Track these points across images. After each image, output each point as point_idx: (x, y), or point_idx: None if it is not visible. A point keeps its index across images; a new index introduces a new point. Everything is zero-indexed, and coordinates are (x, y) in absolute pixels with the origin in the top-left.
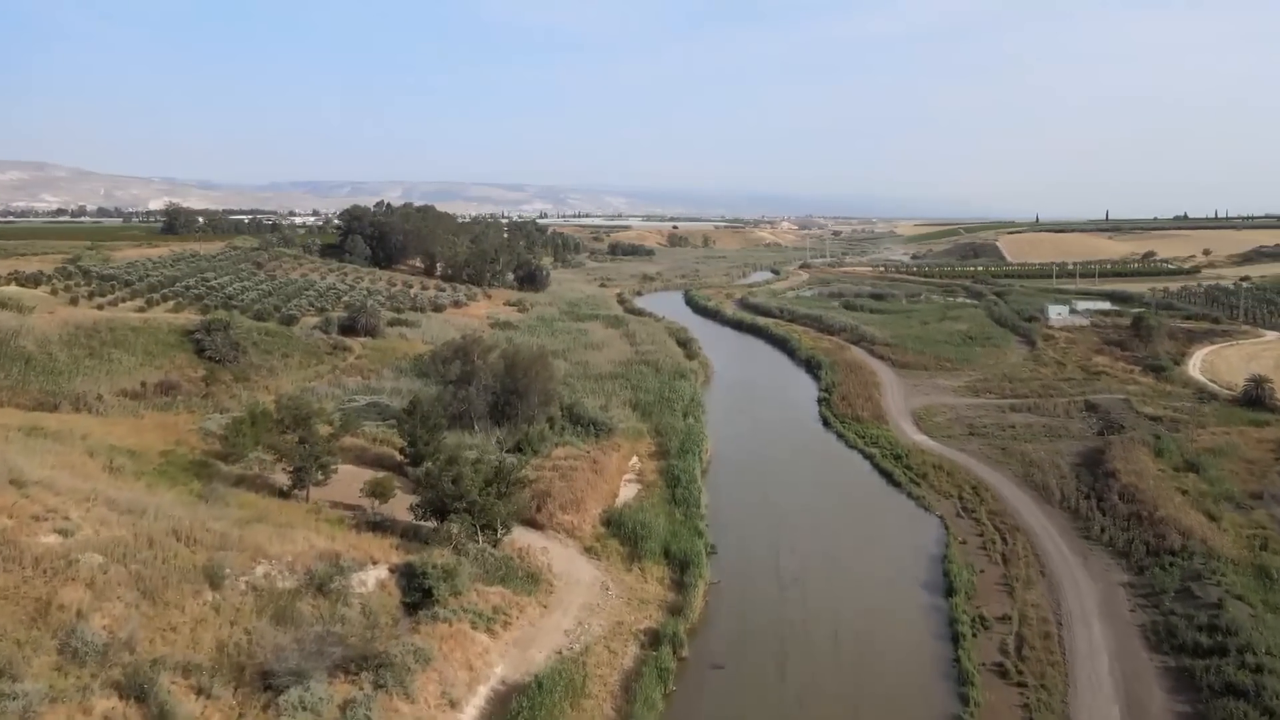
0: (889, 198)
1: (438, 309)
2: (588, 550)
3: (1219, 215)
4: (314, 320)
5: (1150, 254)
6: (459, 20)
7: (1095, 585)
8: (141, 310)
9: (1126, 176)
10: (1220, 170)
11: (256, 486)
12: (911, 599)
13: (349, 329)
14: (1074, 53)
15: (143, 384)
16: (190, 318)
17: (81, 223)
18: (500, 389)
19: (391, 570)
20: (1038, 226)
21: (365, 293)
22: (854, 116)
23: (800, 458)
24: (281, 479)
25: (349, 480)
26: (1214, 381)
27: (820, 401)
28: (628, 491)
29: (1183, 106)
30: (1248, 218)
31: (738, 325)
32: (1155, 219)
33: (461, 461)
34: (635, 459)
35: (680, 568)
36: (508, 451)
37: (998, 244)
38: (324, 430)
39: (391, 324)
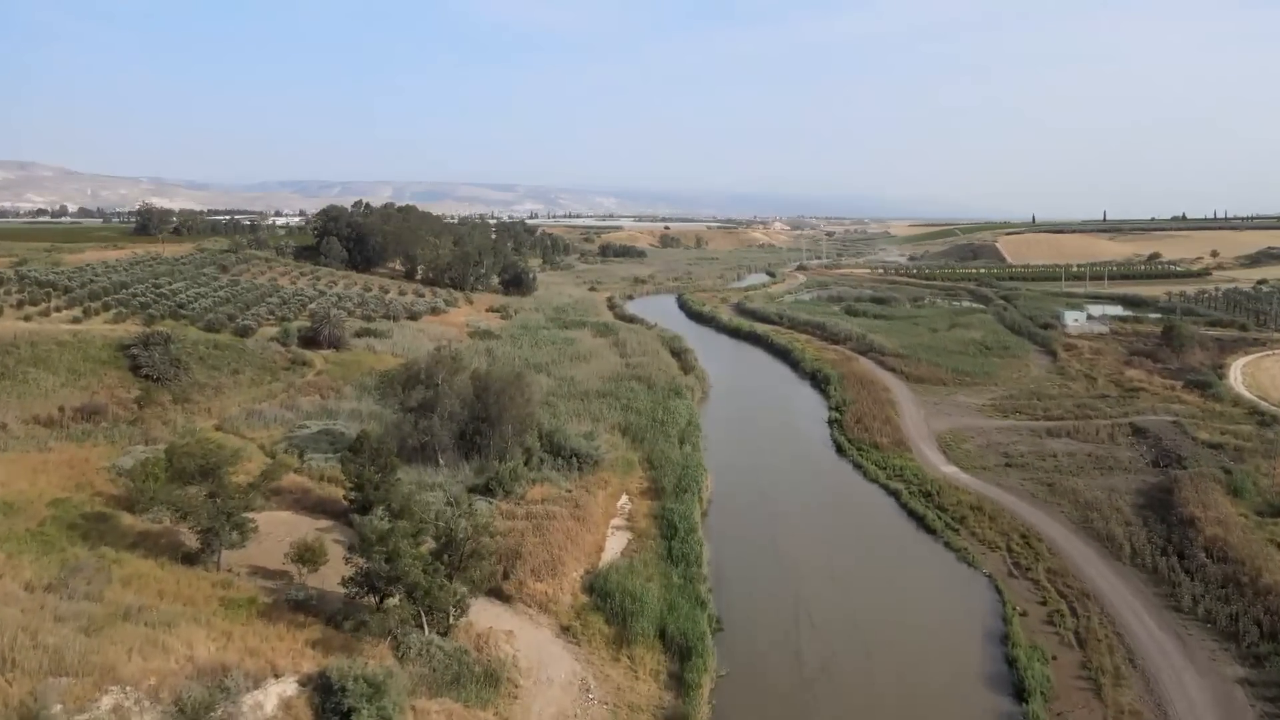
0: (878, 198)
1: (413, 317)
2: (565, 630)
3: (1218, 216)
4: (273, 331)
5: (1155, 255)
6: (450, 21)
7: (1204, 681)
8: (76, 321)
9: (1120, 177)
10: (1212, 171)
11: (160, 549)
12: (973, 701)
13: (311, 340)
14: (1067, 54)
15: (60, 409)
16: (131, 329)
17: (60, 223)
18: (469, 417)
19: (303, 683)
20: (1035, 227)
21: (336, 299)
22: (841, 117)
23: (814, 495)
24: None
25: (283, 532)
26: (1264, 399)
27: (831, 423)
28: (616, 543)
29: (1174, 108)
30: (1248, 218)
31: (735, 332)
32: (1153, 219)
33: (399, 532)
34: (625, 498)
35: (680, 655)
36: (476, 491)
37: (997, 245)
38: (245, 475)
39: (359, 334)
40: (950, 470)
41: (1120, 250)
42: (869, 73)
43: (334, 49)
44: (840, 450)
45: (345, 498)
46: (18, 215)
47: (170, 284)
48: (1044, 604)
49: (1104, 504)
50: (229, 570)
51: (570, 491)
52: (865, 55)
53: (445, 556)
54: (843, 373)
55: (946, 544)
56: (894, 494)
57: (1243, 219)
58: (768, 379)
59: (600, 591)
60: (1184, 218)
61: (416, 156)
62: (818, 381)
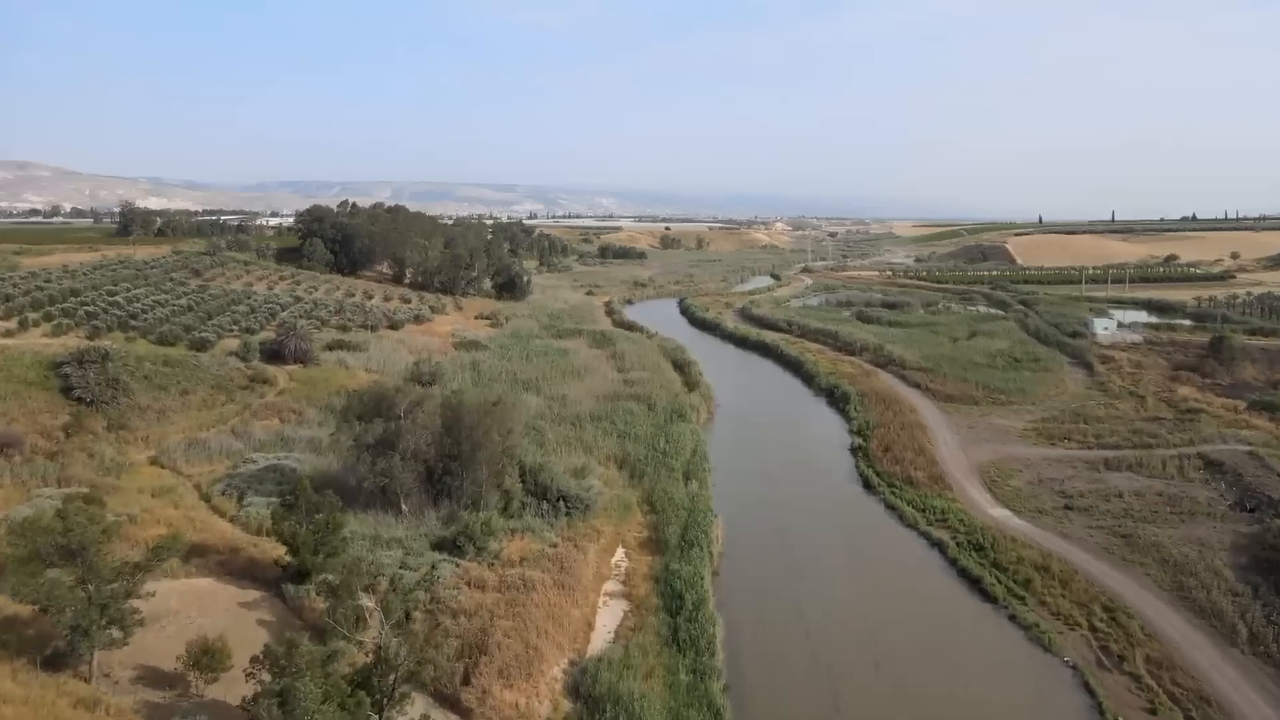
0: (878, 198)
1: (394, 326)
2: None
3: (1229, 216)
4: (236, 344)
5: (1172, 257)
6: (450, 21)
7: None
8: (9, 334)
9: (1122, 176)
10: (1217, 171)
11: (23, 644)
12: None
13: (276, 355)
14: (1071, 55)
15: None
16: (70, 343)
17: (49, 223)
18: (437, 454)
19: None
20: (1043, 228)
21: (311, 306)
22: (841, 117)
23: (844, 547)
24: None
25: (195, 610)
26: None
27: (855, 451)
28: (609, 618)
29: (1177, 108)
30: (1259, 218)
31: (741, 341)
32: (1162, 220)
33: (302, 656)
34: (621, 552)
35: None
36: (443, 547)
37: (1006, 246)
38: (162, 527)
39: (331, 347)
40: (1001, 514)
41: (1134, 251)
42: (869, 73)
43: (333, 49)
44: (868, 486)
45: (277, 562)
46: (9, 215)
47: (130, 290)
48: (1153, 712)
49: (1198, 565)
50: (106, 675)
51: (555, 546)
52: (865, 56)
53: (375, 679)
54: (862, 389)
55: (1012, 617)
56: (938, 545)
57: (1254, 219)
58: (780, 396)
59: (588, 697)
60: (1194, 218)
61: (417, 157)
62: (835, 399)
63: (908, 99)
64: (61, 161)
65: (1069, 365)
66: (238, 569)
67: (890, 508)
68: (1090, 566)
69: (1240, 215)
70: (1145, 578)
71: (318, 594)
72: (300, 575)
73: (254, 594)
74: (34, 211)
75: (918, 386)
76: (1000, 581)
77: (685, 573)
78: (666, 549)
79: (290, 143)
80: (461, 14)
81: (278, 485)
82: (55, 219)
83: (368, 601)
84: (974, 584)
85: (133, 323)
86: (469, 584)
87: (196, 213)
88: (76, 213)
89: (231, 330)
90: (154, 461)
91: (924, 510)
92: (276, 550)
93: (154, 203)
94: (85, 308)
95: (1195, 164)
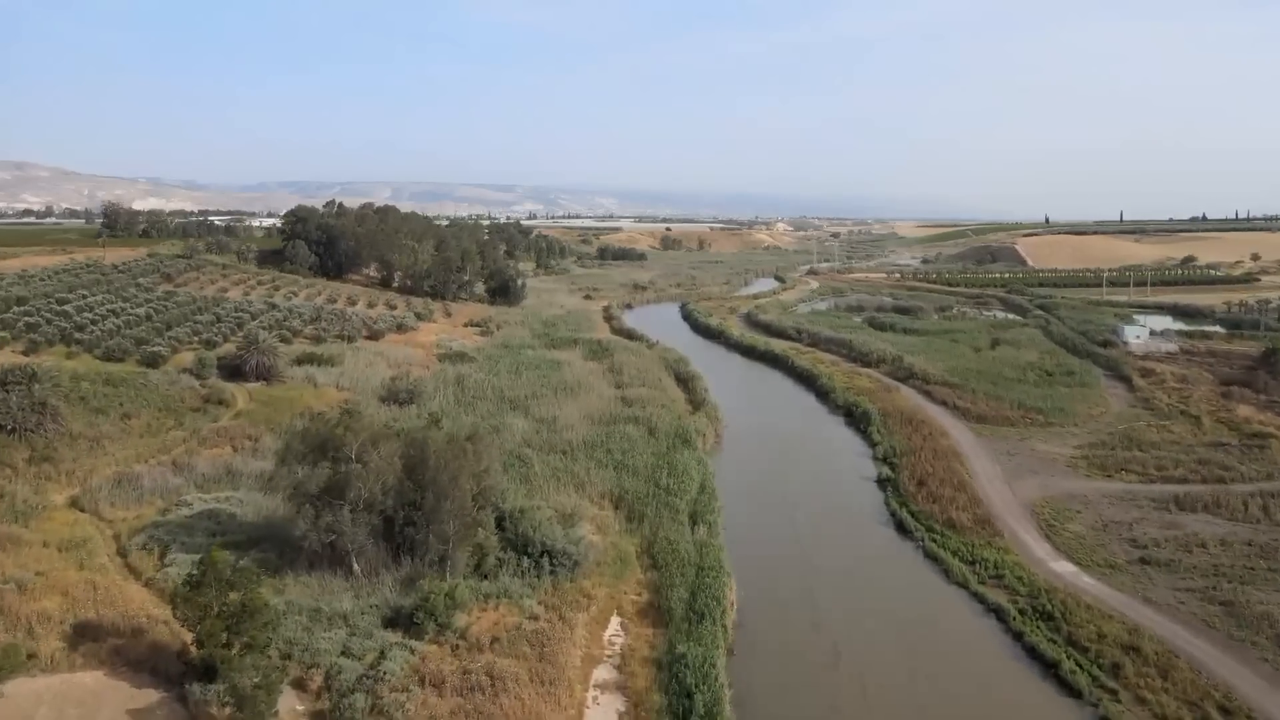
0: (879, 197)
1: (374, 336)
2: None
3: (1239, 216)
4: (192, 358)
5: (1190, 259)
6: (449, 21)
7: None
8: None
9: (1125, 176)
10: (1213, 171)
11: None
12: None
13: (236, 371)
14: (1074, 54)
15: None
16: (1, 360)
17: (40, 224)
18: (396, 503)
19: None
20: (1052, 228)
21: (286, 313)
22: (838, 117)
23: (881, 614)
24: None
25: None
26: None
27: (883, 483)
28: None
29: (1179, 109)
30: (1271, 218)
31: (748, 351)
32: (1172, 220)
33: None
34: (616, 623)
35: None
36: (398, 623)
37: (1015, 247)
38: (16, 625)
39: (300, 361)
40: (1065, 569)
41: (1149, 253)
42: (869, 73)
43: (332, 49)
44: (903, 529)
45: (180, 656)
46: (3, 216)
47: (86, 297)
48: None
49: None
50: None
51: (536, 619)
52: (865, 56)
53: None
54: (884, 408)
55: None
56: (996, 612)
57: (1265, 219)
58: (794, 416)
59: None
60: (1204, 218)
61: (416, 157)
62: (854, 419)
63: (908, 99)
64: (60, 162)
65: (1106, 379)
66: (137, 657)
67: (931, 558)
68: (1190, 646)
69: (1250, 216)
70: (1262, 664)
71: (224, 701)
72: (208, 670)
73: (151, 695)
74: (28, 211)
75: (944, 404)
76: (1082, 667)
77: (694, 658)
78: (671, 620)
79: (290, 143)
80: (461, 14)
81: (210, 537)
82: (48, 219)
83: (298, 705)
84: (1048, 668)
85: (78, 335)
86: (423, 682)
87: (192, 213)
88: (70, 213)
89: (191, 342)
90: (75, 503)
91: (973, 563)
92: (190, 632)
93: (152, 203)
94: (27, 318)
95: (1197, 164)
